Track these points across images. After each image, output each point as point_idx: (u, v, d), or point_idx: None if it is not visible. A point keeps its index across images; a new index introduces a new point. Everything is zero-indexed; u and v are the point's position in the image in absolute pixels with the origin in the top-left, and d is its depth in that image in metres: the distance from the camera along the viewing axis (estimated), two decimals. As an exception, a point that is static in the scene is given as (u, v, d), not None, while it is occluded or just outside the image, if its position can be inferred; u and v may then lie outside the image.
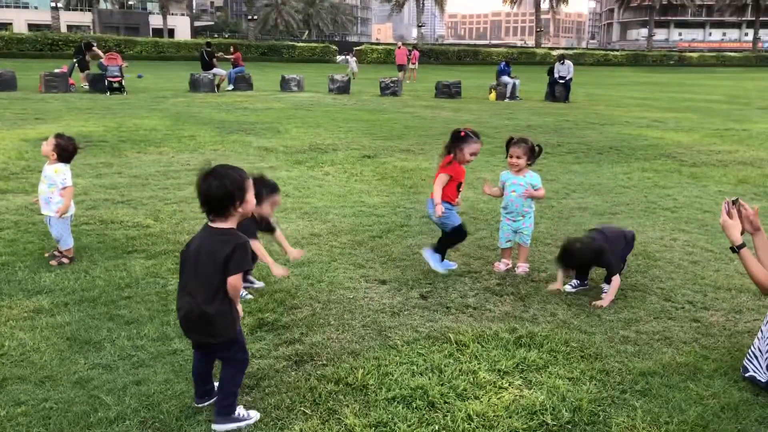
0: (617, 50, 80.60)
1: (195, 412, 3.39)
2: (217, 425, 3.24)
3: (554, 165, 10.90)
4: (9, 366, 3.84)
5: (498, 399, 3.55)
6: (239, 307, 3.30)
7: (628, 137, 14.35)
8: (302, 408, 3.44)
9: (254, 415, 3.35)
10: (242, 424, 3.27)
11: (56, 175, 5.52)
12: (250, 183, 3.21)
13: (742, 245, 3.93)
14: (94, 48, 25.29)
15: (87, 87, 23.30)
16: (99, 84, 22.53)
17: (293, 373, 3.80)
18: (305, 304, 4.88)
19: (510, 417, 3.38)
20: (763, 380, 3.75)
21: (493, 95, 24.63)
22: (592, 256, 5.05)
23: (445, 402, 3.52)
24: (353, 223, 7.14)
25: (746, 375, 3.84)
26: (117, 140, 12.26)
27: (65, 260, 5.65)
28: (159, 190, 8.52)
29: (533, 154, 5.68)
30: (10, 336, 4.22)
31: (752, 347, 3.88)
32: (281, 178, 9.33)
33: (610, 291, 5.03)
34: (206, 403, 3.42)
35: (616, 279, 5.05)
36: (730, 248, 4.00)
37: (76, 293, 4.97)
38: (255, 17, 68.97)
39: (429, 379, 3.75)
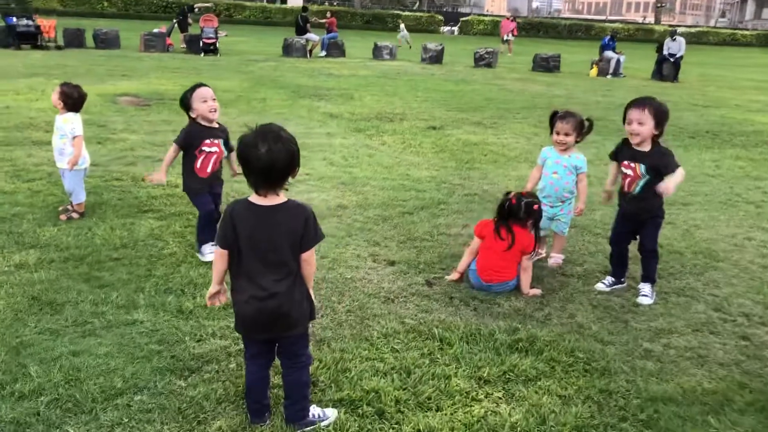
0: (747, 30, 74.53)
1: (115, 395, 3.04)
2: (298, 425, 2.86)
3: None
4: (-43, 323, 3.65)
5: (464, 413, 3.00)
6: (312, 293, 2.80)
7: (730, 121, 12.95)
8: (232, 402, 3.02)
9: (331, 414, 2.94)
10: (322, 424, 2.88)
11: (66, 125, 5.33)
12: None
13: None
14: (196, 8, 25.70)
15: (184, 47, 23.75)
16: (195, 45, 22.90)
17: (239, 358, 3.37)
18: (295, 281, 4.45)
19: (467, 438, 2.82)
20: (806, 423, 3.00)
21: (594, 71, 23.14)
22: (657, 102, 4.22)
23: (399, 411, 3.00)
24: (388, 197, 6.63)
25: (786, 414, 3.09)
26: (187, 99, 12.23)
27: (75, 215, 5.49)
28: (204, 150, 8.30)
29: (582, 130, 4.94)
30: (-24, 290, 4.04)
31: (798, 380, 3.12)
32: (333, 146, 8.94)
33: (676, 175, 4.14)
34: (267, 422, 2.90)
35: (680, 170, 4.18)
36: None
37: (67, 251, 4.77)
38: (363, -15, 68.65)
39: (391, 381, 3.23)
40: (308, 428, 2.86)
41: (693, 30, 65.94)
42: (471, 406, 3.07)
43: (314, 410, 2.92)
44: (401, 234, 5.52)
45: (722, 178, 8.21)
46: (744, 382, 3.42)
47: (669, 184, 4.12)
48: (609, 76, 22.70)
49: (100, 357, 3.36)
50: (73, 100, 5.32)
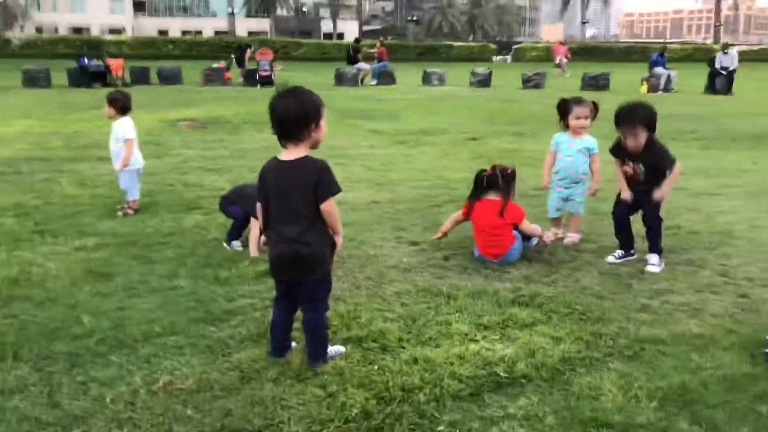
0: (815, 45, 72.17)
1: (154, 336, 3.48)
2: (314, 364, 3.15)
3: (671, 148, 9.96)
4: (24, 287, 4.18)
5: (459, 349, 3.30)
6: (339, 240, 3.14)
7: (779, 126, 12.82)
8: (253, 341, 3.42)
9: (340, 348, 3.29)
10: (336, 356, 3.24)
11: (119, 129, 5.92)
12: (325, 109, 3.05)
13: None
14: (250, 50, 26.83)
15: (242, 81, 24.85)
16: (252, 78, 23.95)
17: (264, 311, 3.77)
18: (322, 257, 4.85)
19: (460, 365, 3.13)
20: (784, 356, 3.18)
21: (645, 87, 23.03)
22: (646, 110, 4.57)
23: (401, 347, 3.34)
24: (420, 194, 7.00)
25: (767, 350, 3.28)
26: (240, 121, 12.93)
27: (130, 211, 6.05)
28: (253, 160, 8.84)
29: (594, 113, 5.28)
30: (41, 265, 4.60)
31: (778, 320, 3.30)
32: (374, 155, 9.38)
33: (669, 178, 4.60)
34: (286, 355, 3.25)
35: (676, 167, 4.62)
36: None
37: (121, 237, 5.31)
38: (415, 18, 69.92)
39: (397, 325, 3.57)
40: (324, 362, 3.16)
41: (756, 48, 64.41)
42: (467, 345, 3.37)
43: (329, 349, 3.27)
44: (427, 221, 5.87)
45: (758, 172, 8.25)
46: (733, 328, 3.61)
47: (664, 190, 4.56)
48: (661, 92, 22.56)
49: (143, 311, 3.81)
50: (120, 102, 5.91)
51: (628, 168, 4.70)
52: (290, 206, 3.00)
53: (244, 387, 2.96)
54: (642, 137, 4.51)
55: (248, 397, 2.88)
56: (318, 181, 2.96)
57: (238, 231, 5.14)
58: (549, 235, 5.35)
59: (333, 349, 3.27)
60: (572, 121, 5.27)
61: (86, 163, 8.50)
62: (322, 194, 2.98)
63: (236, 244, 5.10)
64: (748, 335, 3.51)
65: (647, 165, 4.63)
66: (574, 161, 5.27)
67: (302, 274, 3.08)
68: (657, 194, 4.54)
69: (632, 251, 4.84)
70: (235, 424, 2.69)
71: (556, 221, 5.46)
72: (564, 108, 5.34)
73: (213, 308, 3.87)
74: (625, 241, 4.83)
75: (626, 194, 4.76)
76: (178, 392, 2.92)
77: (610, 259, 4.81)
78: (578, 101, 5.31)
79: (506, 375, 3.06)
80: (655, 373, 3.10)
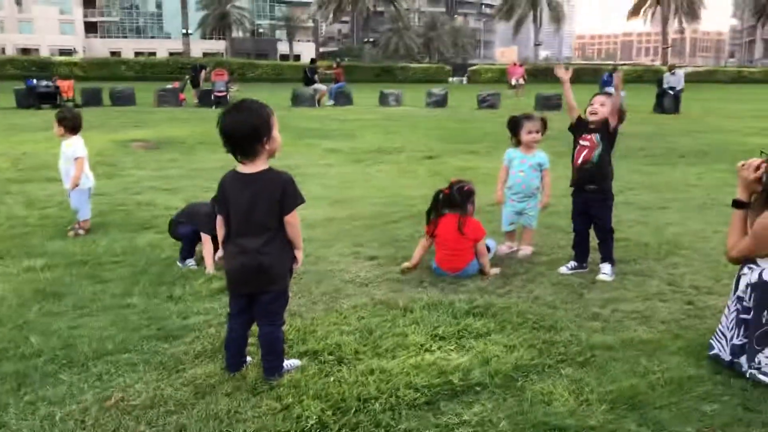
0: (755, 67, 75.14)
1: (105, 354, 3.42)
2: (270, 378, 3.14)
3: (622, 165, 10.21)
4: (-30, 309, 4.06)
5: (415, 360, 3.33)
6: (300, 255, 3.16)
7: (723, 143, 13.29)
8: (208, 357, 3.39)
9: (295, 362, 3.28)
10: (291, 370, 3.23)
11: (68, 149, 5.83)
12: (275, 118, 3.02)
13: (745, 205, 3.43)
14: (205, 71, 26.67)
15: (197, 102, 24.66)
16: (207, 99, 23.79)
17: (219, 327, 3.75)
18: (279, 273, 4.83)
19: (416, 375, 3.15)
20: (726, 359, 3.29)
21: (595, 107, 23.62)
22: None
23: (357, 359, 3.35)
24: (378, 211, 7.04)
25: (711, 353, 3.39)
26: (195, 142, 12.82)
27: (81, 231, 5.94)
28: (207, 180, 8.77)
29: (544, 128, 5.42)
30: (-11, 286, 4.47)
31: (720, 325, 3.41)
32: (330, 174, 9.41)
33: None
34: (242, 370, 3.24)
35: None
36: (733, 201, 3.49)
37: (72, 257, 5.20)
38: (372, 40, 70.59)
39: (353, 338, 3.58)
40: (280, 377, 3.16)
41: (701, 69, 66.74)
42: (422, 355, 3.40)
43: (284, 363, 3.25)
44: (385, 237, 5.90)
45: (702, 187, 8.53)
46: (680, 333, 3.72)
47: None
48: (610, 112, 23.13)
49: (94, 330, 3.74)
50: (70, 121, 5.84)
51: (587, 141, 4.82)
52: (253, 218, 3.00)
53: (199, 402, 2.93)
54: (606, 108, 4.77)
55: (203, 411, 2.85)
56: (283, 192, 2.98)
57: (190, 249, 5.10)
58: (503, 249, 5.45)
59: (289, 363, 3.26)
60: (524, 136, 5.39)
61: (35, 184, 8.32)
62: (288, 206, 3.00)
63: (190, 262, 5.05)
64: (694, 339, 3.62)
65: (601, 134, 4.78)
66: (527, 176, 5.39)
67: (264, 285, 3.08)
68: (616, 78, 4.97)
69: (585, 264, 4.95)
70: (190, 439, 2.66)
71: (510, 235, 5.56)
72: (515, 125, 5.47)
73: (167, 325, 3.82)
74: (582, 255, 4.94)
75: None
76: (130, 408, 2.87)
77: (563, 269, 4.91)
78: (528, 117, 5.48)
79: (461, 383, 3.09)
80: (606, 378, 3.17)
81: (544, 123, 5.44)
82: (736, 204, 3.42)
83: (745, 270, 3.29)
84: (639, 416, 2.83)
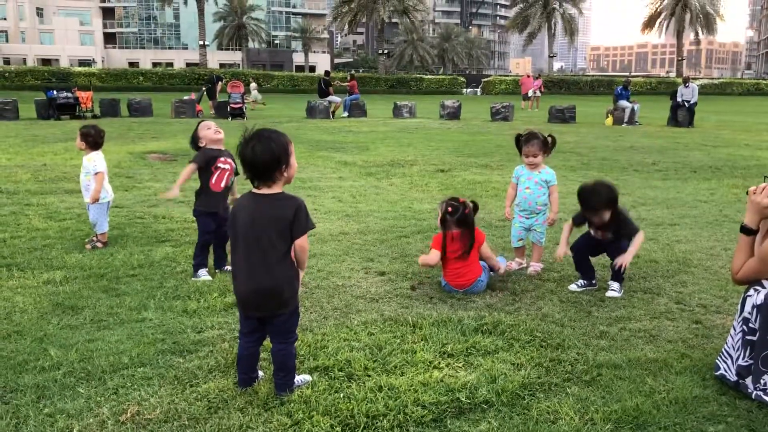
0: (771, 79, 74.64)
1: (122, 367, 3.52)
2: (281, 393, 3.22)
3: (635, 181, 10.28)
4: (-9, 321, 4.18)
5: (423, 377, 3.39)
6: (301, 275, 3.23)
7: (736, 158, 13.26)
8: (222, 371, 3.47)
9: (306, 378, 3.36)
10: (302, 385, 3.30)
11: (89, 163, 5.97)
12: (292, 147, 3.11)
13: (753, 232, 3.46)
14: (221, 82, 26.94)
15: (213, 113, 24.94)
16: (223, 111, 24.05)
17: (232, 342, 3.83)
18: (291, 288, 4.92)
19: (423, 392, 3.22)
20: (732, 380, 3.33)
21: (609, 120, 23.63)
22: (608, 192, 4.72)
23: (366, 375, 3.41)
24: (388, 225, 7.12)
25: (717, 373, 3.43)
26: (210, 154, 12.97)
27: (99, 245, 6.07)
28: (222, 193, 8.93)
29: (547, 147, 5.44)
30: (8, 299, 4.59)
31: (726, 345, 3.45)
32: (343, 187, 9.51)
33: (633, 245, 4.79)
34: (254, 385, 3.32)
35: (639, 235, 4.83)
36: (741, 226, 3.53)
37: (90, 270, 5.32)
38: (386, 51, 70.93)
39: (363, 354, 3.66)
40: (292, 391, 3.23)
41: (716, 81, 66.42)
42: (431, 372, 3.46)
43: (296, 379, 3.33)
44: (395, 252, 5.98)
45: (714, 203, 8.54)
46: (686, 353, 3.75)
47: (626, 258, 4.77)
48: (625, 125, 23.15)
49: (111, 343, 3.84)
50: (92, 137, 5.97)
51: (597, 234, 4.94)
52: (263, 239, 3.06)
53: (212, 416, 3.01)
54: (606, 215, 4.74)
55: (216, 426, 2.93)
56: (295, 218, 3.04)
57: (205, 252, 5.21)
58: (513, 265, 5.51)
59: (300, 378, 3.33)
60: (523, 158, 5.46)
61: (54, 196, 8.47)
62: (298, 230, 3.07)
63: (203, 273, 5.15)
64: (700, 359, 3.66)
65: (614, 232, 4.86)
66: (533, 193, 5.45)
67: (275, 309, 3.15)
68: (619, 261, 4.75)
69: (594, 281, 5.00)
70: (202, 453, 2.74)
71: (519, 251, 5.61)
72: (518, 144, 5.52)
73: (181, 339, 3.91)
74: (586, 272, 4.99)
75: (561, 251, 4.97)
76: (145, 422, 2.96)
77: (572, 287, 4.96)
78: (527, 139, 5.43)
79: (468, 401, 3.15)
80: (611, 397, 3.21)
81: (545, 143, 5.42)
82: (744, 230, 3.44)
83: (751, 291, 3.33)
84: (642, 436, 2.87)
